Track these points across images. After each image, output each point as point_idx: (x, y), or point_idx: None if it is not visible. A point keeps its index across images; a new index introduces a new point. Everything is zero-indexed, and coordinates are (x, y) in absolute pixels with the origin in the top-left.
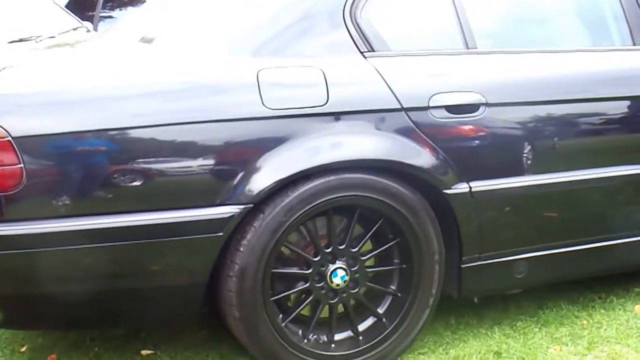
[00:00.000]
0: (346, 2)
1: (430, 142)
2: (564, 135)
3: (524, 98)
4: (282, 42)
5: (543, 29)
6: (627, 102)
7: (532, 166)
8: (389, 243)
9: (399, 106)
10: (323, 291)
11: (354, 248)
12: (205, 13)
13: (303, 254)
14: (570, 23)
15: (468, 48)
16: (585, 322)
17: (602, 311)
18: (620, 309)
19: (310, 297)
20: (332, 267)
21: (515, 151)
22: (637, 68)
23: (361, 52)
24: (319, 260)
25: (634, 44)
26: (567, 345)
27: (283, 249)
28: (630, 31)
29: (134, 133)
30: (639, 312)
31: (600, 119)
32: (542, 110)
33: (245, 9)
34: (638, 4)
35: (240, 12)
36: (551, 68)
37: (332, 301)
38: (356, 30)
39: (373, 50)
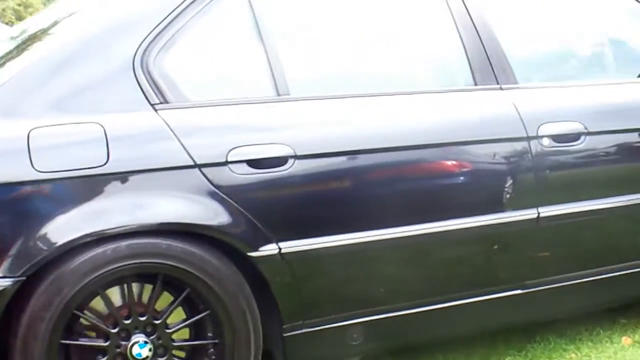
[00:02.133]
0: (137, 50)
1: (230, 200)
2: (385, 186)
3: (340, 148)
4: (62, 97)
5: (370, 71)
6: (462, 147)
7: (350, 223)
8: (197, 315)
9: (192, 163)
10: None
11: (157, 319)
12: None
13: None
14: (400, 63)
15: (279, 95)
16: (573, 355)
17: (590, 344)
18: (607, 341)
19: None
20: (131, 341)
21: (331, 207)
22: (476, 111)
23: (152, 105)
24: (116, 332)
25: (476, 84)
26: None
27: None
28: (472, 71)
29: None
30: (625, 344)
31: (427, 166)
32: (360, 161)
33: (23, 62)
34: (482, 43)
35: (17, 66)
36: (374, 113)
37: None
38: (148, 81)
39: (166, 102)
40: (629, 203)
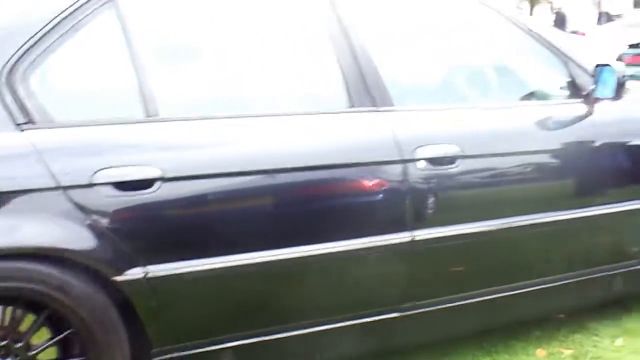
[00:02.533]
0: (3, 68)
1: (95, 223)
2: (253, 210)
3: (208, 170)
4: None
5: (243, 93)
6: (335, 170)
7: (216, 247)
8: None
9: (56, 184)
10: None
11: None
12: None
13: None
14: (274, 85)
15: (148, 116)
16: None
17: (506, 356)
18: (522, 353)
19: None
20: None
21: (198, 231)
22: (351, 133)
23: (17, 125)
24: None
25: (352, 106)
26: None
27: None
28: (348, 93)
29: None
30: (540, 356)
31: (300, 190)
32: (228, 184)
33: None
34: (359, 65)
35: None
36: (244, 136)
37: None
38: (14, 100)
39: (32, 122)
40: (504, 226)
